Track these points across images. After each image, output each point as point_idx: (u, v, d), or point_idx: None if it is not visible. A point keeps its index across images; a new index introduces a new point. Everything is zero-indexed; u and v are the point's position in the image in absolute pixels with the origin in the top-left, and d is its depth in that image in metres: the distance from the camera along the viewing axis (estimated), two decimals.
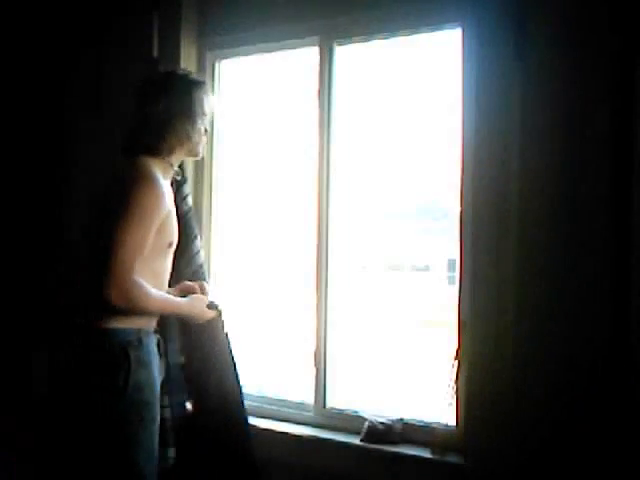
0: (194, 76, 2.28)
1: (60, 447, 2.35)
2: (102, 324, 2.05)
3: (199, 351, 2.45)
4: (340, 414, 2.68)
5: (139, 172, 2.08)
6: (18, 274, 3.27)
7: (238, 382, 2.56)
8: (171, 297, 2.20)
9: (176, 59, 2.91)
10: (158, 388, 2.15)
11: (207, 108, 2.24)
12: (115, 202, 2.04)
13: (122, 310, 2.01)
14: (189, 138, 2.19)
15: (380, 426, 2.50)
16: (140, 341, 2.09)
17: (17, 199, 3.30)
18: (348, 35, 2.70)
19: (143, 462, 2.07)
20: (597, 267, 2.12)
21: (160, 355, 2.20)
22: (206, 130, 2.26)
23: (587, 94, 2.14)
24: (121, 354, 2.05)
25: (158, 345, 2.20)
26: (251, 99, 3.04)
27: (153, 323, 2.19)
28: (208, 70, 3.01)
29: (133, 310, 2.04)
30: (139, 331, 2.10)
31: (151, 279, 2.07)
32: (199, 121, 2.21)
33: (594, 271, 2.12)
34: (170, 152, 2.17)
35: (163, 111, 2.14)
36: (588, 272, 2.13)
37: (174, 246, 2.19)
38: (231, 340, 2.55)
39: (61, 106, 3.27)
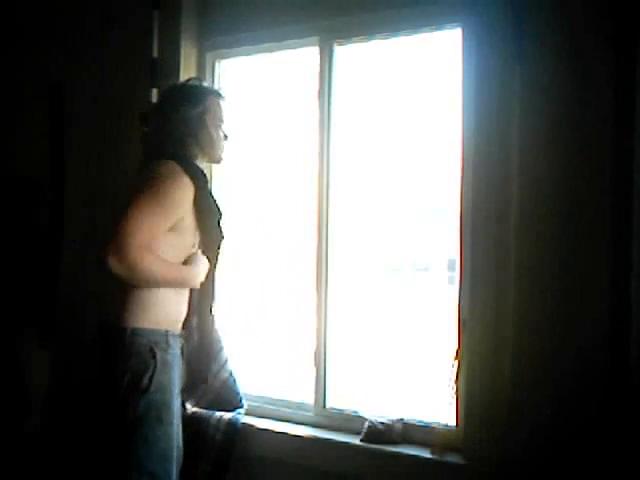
0: (209, 85, 2.33)
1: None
2: (131, 323, 2.07)
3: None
4: (340, 414, 2.68)
5: (168, 170, 2.13)
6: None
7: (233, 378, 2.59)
8: (174, 263, 2.17)
9: (176, 59, 2.91)
10: (177, 390, 2.17)
11: (224, 115, 2.31)
12: (138, 187, 2.09)
13: (123, 277, 1.99)
14: (209, 145, 2.28)
15: (380, 426, 2.50)
16: (167, 342, 2.12)
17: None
18: (348, 35, 2.70)
19: (156, 461, 2.08)
20: (597, 267, 2.12)
21: (183, 358, 2.23)
22: (226, 136, 2.35)
23: (586, 94, 2.14)
24: (149, 354, 2.07)
25: (181, 349, 2.22)
26: (251, 99, 3.04)
27: (179, 325, 2.21)
28: (208, 70, 3.00)
29: (135, 275, 2.01)
30: (166, 332, 2.12)
31: None
32: (217, 128, 2.29)
33: (594, 271, 2.12)
34: (193, 159, 2.25)
35: (182, 120, 2.21)
36: (588, 272, 2.13)
37: (197, 246, 2.23)
38: (222, 336, 2.57)
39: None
